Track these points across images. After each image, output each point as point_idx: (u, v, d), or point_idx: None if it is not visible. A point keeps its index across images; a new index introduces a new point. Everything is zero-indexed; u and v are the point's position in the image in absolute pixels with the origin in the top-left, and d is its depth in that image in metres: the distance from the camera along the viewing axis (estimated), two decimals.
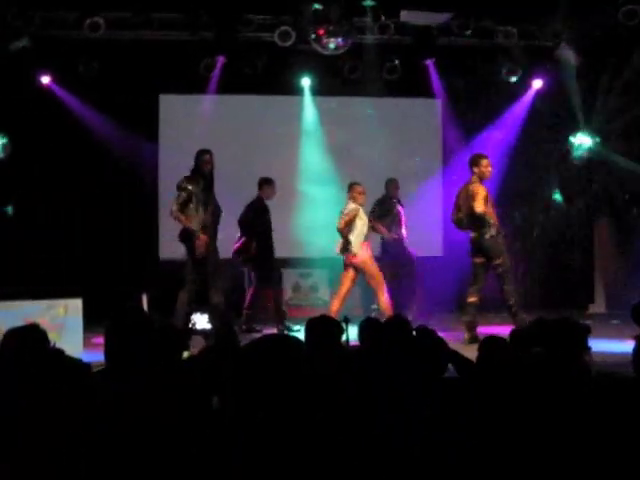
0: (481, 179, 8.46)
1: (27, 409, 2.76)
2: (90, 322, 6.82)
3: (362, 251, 8.64)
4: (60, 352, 3.54)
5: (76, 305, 6.54)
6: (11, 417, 2.76)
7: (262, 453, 2.29)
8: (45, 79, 10.29)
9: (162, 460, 2.84)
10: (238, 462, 2.32)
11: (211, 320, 5.19)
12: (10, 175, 10.09)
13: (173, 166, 10.81)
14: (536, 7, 9.80)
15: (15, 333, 3.69)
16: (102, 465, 2.79)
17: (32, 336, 3.64)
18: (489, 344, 4.01)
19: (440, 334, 4.14)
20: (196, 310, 6.18)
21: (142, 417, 2.98)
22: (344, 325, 4.75)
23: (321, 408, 2.42)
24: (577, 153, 10.92)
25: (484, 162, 8.49)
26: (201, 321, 5.13)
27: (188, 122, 11.00)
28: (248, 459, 2.31)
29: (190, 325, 5.19)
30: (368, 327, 4.46)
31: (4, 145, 10.04)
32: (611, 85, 10.54)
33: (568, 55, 10.29)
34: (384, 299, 8.62)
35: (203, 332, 5.29)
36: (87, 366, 3.36)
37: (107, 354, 3.59)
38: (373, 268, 8.68)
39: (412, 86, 11.11)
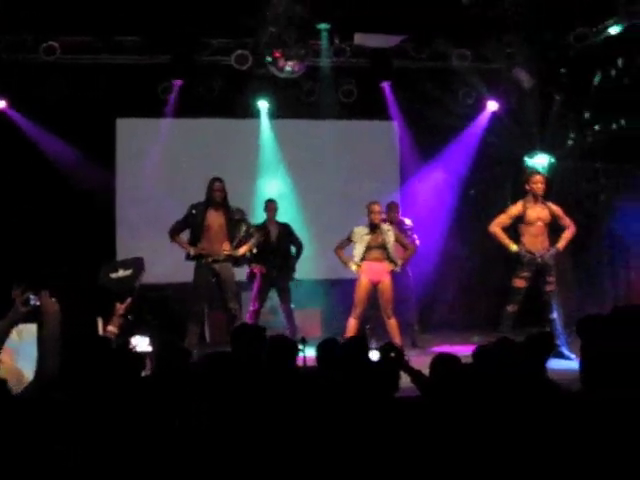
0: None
1: None
2: None
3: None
4: None
5: (31, 330, 6.41)
6: None
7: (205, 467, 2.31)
8: (1, 103, 10.22)
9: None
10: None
11: (152, 342, 5.12)
12: None
13: (130, 188, 10.83)
14: (489, 29, 9.95)
15: None
16: None
17: None
18: (440, 363, 4.04)
19: None
20: (135, 333, 6.01)
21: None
22: (301, 345, 4.78)
23: (268, 427, 2.43)
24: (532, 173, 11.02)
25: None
26: (142, 344, 5.08)
27: (145, 145, 10.99)
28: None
29: (130, 348, 5.06)
30: (326, 347, 4.47)
31: None
32: (565, 105, 10.69)
33: (522, 76, 10.44)
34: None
35: (147, 354, 5.19)
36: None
37: (61, 377, 3.57)
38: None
39: (369, 108, 11.18)
